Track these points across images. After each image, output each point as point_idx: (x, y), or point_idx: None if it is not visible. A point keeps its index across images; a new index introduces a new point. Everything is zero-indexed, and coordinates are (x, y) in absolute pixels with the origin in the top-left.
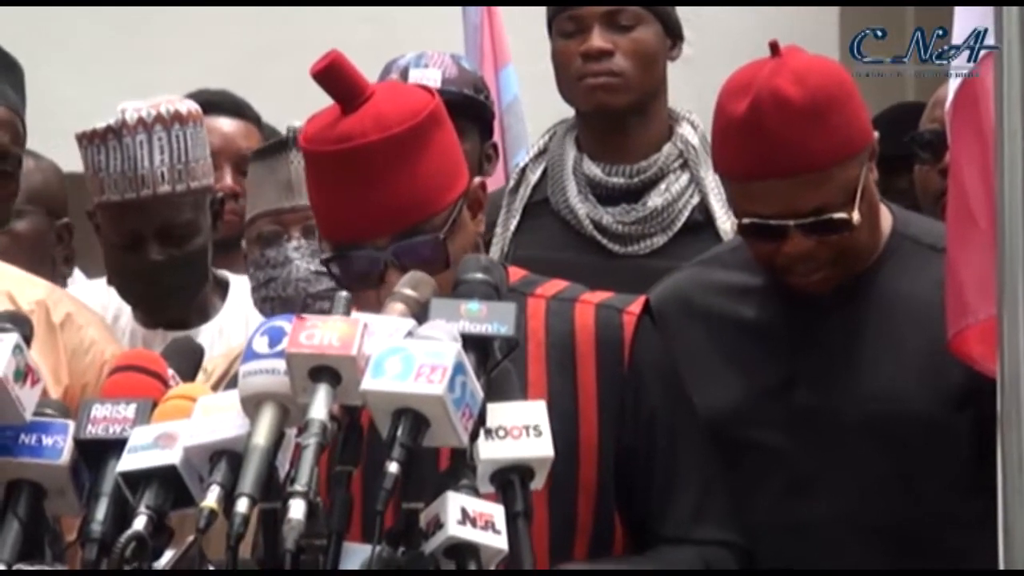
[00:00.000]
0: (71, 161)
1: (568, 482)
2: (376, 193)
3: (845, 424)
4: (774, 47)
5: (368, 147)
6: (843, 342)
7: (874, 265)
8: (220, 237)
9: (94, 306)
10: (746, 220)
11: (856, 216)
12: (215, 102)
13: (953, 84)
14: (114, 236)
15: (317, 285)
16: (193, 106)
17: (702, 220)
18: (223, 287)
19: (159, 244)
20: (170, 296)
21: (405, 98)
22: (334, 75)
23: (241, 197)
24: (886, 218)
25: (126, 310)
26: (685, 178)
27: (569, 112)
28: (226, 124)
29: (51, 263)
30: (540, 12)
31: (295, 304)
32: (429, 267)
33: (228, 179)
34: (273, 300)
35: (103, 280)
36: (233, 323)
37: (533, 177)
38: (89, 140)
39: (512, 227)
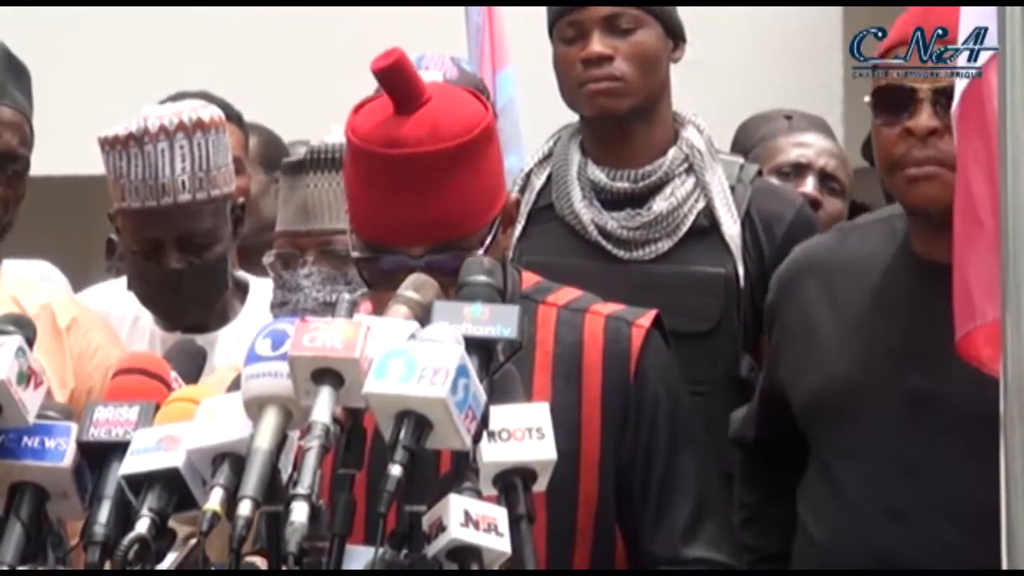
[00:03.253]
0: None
1: (568, 493)
2: (422, 203)
3: (956, 410)
4: None
5: (421, 157)
6: None
7: None
8: None
9: (115, 307)
10: None
11: None
12: None
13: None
14: (134, 243)
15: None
16: (216, 112)
17: (707, 225)
18: (243, 289)
19: (179, 252)
20: (190, 304)
21: (461, 109)
22: (396, 75)
23: None
24: None
25: (146, 311)
26: (690, 182)
27: (569, 114)
28: None
29: None
30: (541, 13)
31: None
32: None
33: None
34: None
35: (123, 281)
36: (252, 327)
37: (538, 182)
38: (111, 146)
39: (517, 233)
